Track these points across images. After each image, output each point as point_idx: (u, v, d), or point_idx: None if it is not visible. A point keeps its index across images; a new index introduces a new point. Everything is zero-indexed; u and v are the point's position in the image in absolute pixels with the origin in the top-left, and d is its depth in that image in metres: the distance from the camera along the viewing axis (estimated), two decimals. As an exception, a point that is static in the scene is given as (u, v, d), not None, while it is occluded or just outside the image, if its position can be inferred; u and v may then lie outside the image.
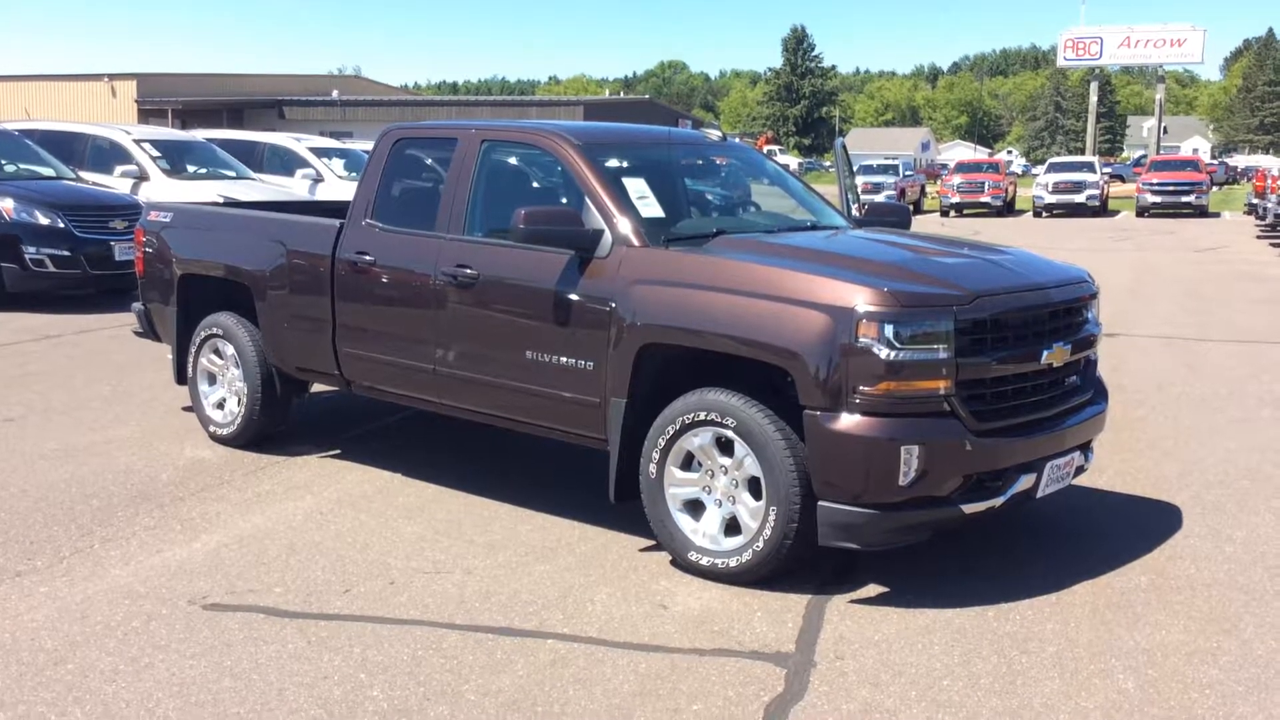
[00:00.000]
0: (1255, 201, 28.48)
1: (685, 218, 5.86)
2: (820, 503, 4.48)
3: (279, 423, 6.96)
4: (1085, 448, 5.13)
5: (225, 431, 6.92)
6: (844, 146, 7.41)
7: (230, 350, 6.82)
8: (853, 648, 4.16)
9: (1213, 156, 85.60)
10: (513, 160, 6.11)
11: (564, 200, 5.59)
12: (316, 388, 7.19)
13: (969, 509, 4.53)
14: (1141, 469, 6.48)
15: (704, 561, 4.78)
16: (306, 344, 6.40)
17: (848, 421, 4.39)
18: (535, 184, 6.15)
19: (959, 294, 4.53)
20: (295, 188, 16.78)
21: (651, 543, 5.13)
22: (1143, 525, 5.51)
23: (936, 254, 5.28)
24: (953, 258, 5.19)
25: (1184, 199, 34.80)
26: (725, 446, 4.76)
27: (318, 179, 17.58)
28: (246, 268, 6.67)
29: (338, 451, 6.88)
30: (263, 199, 10.79)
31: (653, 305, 4.90)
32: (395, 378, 6.04)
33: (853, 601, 4.59)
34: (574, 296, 5.15)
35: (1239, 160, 79.60)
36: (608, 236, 5.14)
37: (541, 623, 4.40)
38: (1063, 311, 4.97)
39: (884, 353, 4.35)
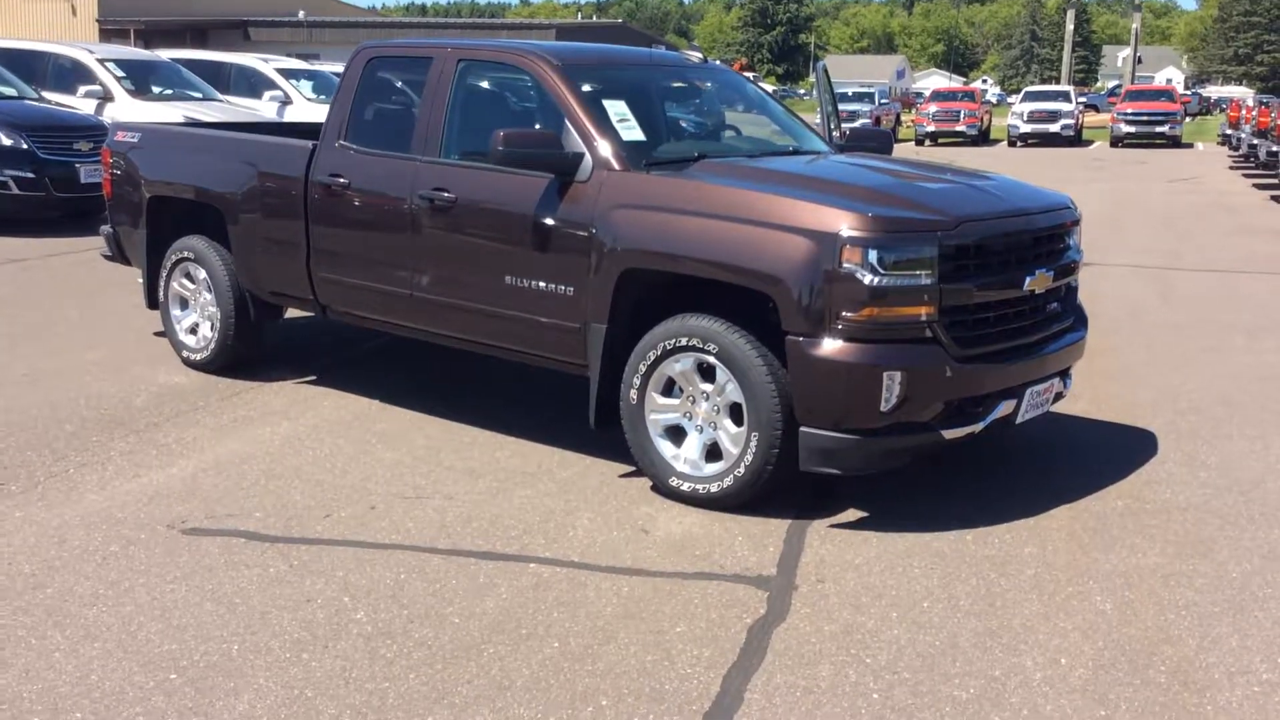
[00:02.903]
0: (1229, 132, 28.51)
1: (666, 141, 5.78)
2: (802, 428, 4.48)
3: (253, 348, 6.88)
4: (1064, 374, 5.15)
5: (199, 357, 6.84)
6: (825, 70, 7.31)
7: (202, 274, 6.72)
8: (833, 571, 4.19)
9: (1186, 87, 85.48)
10: (490, 81, 5.99)
11: (542, 123, 5.49)
12: (292, 313, 7.11)
13: (949, 434, 4.55)
14: (1116, 395, 6.53)
15: (685, 487, 4.79)
16: (280, 268, 6.31)
17: (831, 347, 4.38)
18: (513, 105, 6.04)
19: (943, 219, 4.50)
20: (263, 110, 16.47)
21: (632, 468, 5.14)
22: (1118, 451, 5.56)
23: (920, 179, 5.24)
24: (936, 183, 5.15)
25: (1158, 129, 34.77)
26: (707, 372, 4.74)
27: (286, 101, 17.26)
28: (217, 190, 6.54)
29: (314, 377, 6.82)
30: (230, 121, 10.58)
31: (634, 230, 4.85)
32: (371, 303, 5.98)
33: (833, 526, 4.62)
34: (553, 221, 5.08)
35: (1212, 91, 79.58)
36: (588, 160, 5.06)
37: (523, 547, 4.41)
38: (1045, 237, 4.96)
39: (868, 278, 4.33)
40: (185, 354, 6.91)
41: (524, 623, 3.80)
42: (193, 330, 6.92)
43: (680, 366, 4.78)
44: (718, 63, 6.79)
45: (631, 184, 4.96)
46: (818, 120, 7.75)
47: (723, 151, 5.80)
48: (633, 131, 5.24)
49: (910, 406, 4.41)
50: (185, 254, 6.78)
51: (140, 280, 7.23)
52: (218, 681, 3.42)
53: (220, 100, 15.61)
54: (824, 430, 4.45)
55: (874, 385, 4.34)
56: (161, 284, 6.97)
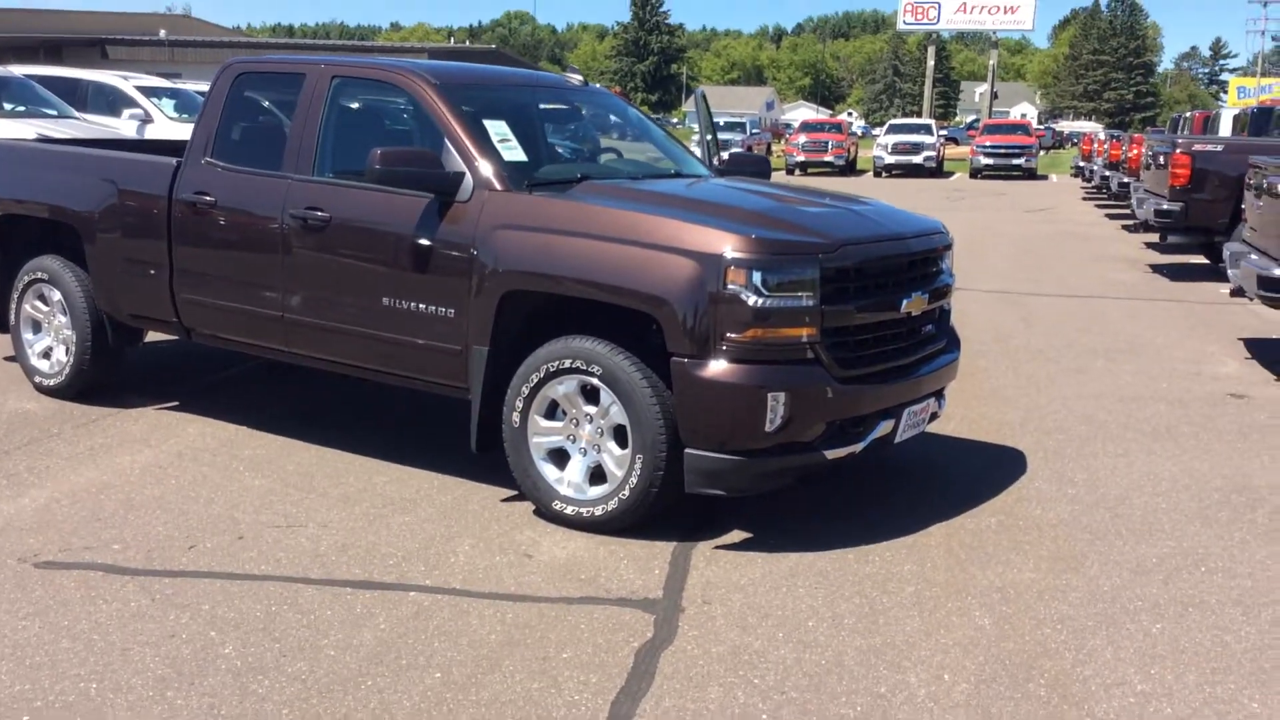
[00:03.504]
0: (1082, 164, 29.85)
1: (548, 162, 5.73)
2: (687, 450, 4.46)
3: (111, 373, 6.59)
4: (939, 395, 5.25)
5: (52, 382, 6.51)
6: (704, 96, 7.36)
7: (57, 296, 6.40)
8: (719, 592, 4.17)
9: (1040, 122, 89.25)
10: (366, 99, 5.86)
11: (421, 142, 5.39)
12: (152, 336, 6.82)
13: (831, 454, 4.58)
14: (986, 415, 6.70)
15: (569, 511, 4.72)
16: (141, 289, 6.04)
17: (715, 369, 4.37)
18: (390, 124, 5.92)
19: (824, 242, 4.55)
20: (123, 128, 15.85)
21: (514, 493, 5.04)
22: (990, 469, 5.69)
23: (800, 203, 5.30)
24: (816, 207, 5.22)
25: (1014, 161, 36.11)
26: (590, 395, 4.69)
27: (146, 119, 16.66)
28: (74, 208, 6.25)
29: (176, 403, 6.55)
30: (87, 138, 10.14)
31: (516, 251, 4.78)
32: (240, 325, 5.76)
33: (718, 547, 4.60)
34: (433, 241, 4.97)
35: (1064, 125, 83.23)
36: (469, 180, 4.97)
37: (402, 575, 4.28)
38: (920, 261, 5.05)
39: (752, 299, 4.33)
40: (38, 379, 6.57)
41: (404, 653, 3.67)
42: (46, 355, 6.58)
43: (564, 389, 4.72)
44: (598, 86, 6.77)
45: (514, 204, 4.89)
46: (695, 146, 7.80)
47: (605, 173, 5.78)
48: (514, 152, 5.17)
49: (794, 427, 4.43)
50: (38, 275, 6.46)
51: (-11, 302, 6.84)
52: (74, 725, 3.21)
53: (77, 118, 14.97)
54: (709, 452, 4.43)
55: (758, 406, 4.35)
56: (13, 306, 6.62)
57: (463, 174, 4.98)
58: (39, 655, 3.59)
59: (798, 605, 4.06)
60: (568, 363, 4.65)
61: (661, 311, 4.43)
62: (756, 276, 4.34)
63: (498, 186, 4.94)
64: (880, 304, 4.72)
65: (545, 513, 4.81)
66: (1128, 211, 20.39)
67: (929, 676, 3.56)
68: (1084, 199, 26.59)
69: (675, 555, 4.50)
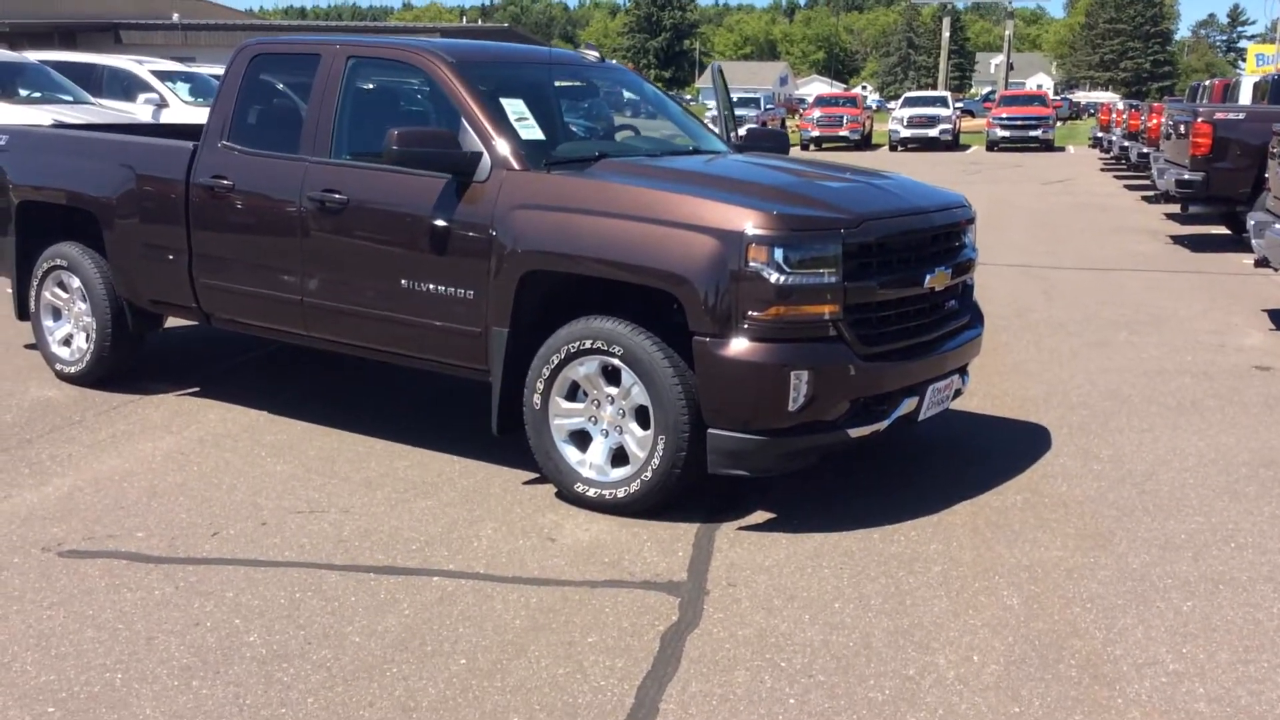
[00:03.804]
0: (1100, 135, 29.58)
1: (565, 140, 5.68)
2: (709, 430, 4.43)
3: (132, 359, 6.59)
4: (963, 371, 5.20)
5: (74, 370, 6.51)
6: (720, 71, 7.29)
7: (76, 283, 6.39)
8: (744, 574, 4.14)
9: (1056, 92, 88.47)
10: (381, 79, 5.82)
11: (437, 122, 5.35)
12: (173, 321, 6.81)
13: (855, 433, 4.54)
14: (1008, 391, 6.64)
15: (591, 493, 4.70)
16: (160, 275, 6.03)
17: (738, 347, 4.33)
18: (406, 104, 5.88)
19: (846, 217, 4.49)
20: (137, 113, 15.85)
21: (535, 475, 5.02)
22: (1014, 446, 5.64)
23: (821, 178, 5.24)
24: (837, 181, 5.16)
25: (1031, 133, 35.82)
26: (612, 375, 4.65)
27: (162, 104, 16.65)
28: (92, 194, 6.23)
29: (197, 389, 6.54)
30: (104, 123, 10.13)
31: (535, 231, 4.74)
32: (259, 310, 5.74)
33: (742, 529, 4.57)
34: (451, 222, 4.94)
35: (1080, 96, 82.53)
36: (486, 159, 4.93)
37: (425, 560, 4.26)
38: (943, 235, 5.00)
39: (774, 277, 4.29)
40: (59, 367, 6.58)
41: (428, 639, 3.65)
42: (66, 342, 6.58)
43: (585, 370, 4.68)
44: (614, 62, 6.71)
45: (532, 184, 4.84)
46: (710, 122, 7.73)
47: (623, 151, 5.73)
48: (532, 130, 5.13)
49: (817, 405, 4.38)
50: (58, 261, 6.45)
51: (9, 290, 6.85)
52: (100, 714, 3.20)
53: (92, 103, 14.97)
54: (732, 432, 4.39)
55: (782, 385, 4.31)
56: (32, 293, 6.63)
57: (480, 154, 4.94)
58: (64, 645, 3.59)
59: (823, 586, 4.03)
60: (588, 343, 4.62)
61: (682, 290, 4.39)
62: (778, 253, 4.29)
63: (515, 166, 4.90)
64: (903, 279, 4.67)
65: (567, 495, 4.79)
66: (1147, 182, 20.21)
67: (958, 658, 3.52)
68: (1102, 170, 26.37)
69: (699, 537, 4.47)
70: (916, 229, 4.79)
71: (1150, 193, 18.87)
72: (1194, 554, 4.33)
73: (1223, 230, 13.87)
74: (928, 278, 4.75)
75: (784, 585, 4.04)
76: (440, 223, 4.95)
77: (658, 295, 4.52)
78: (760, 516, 4.69)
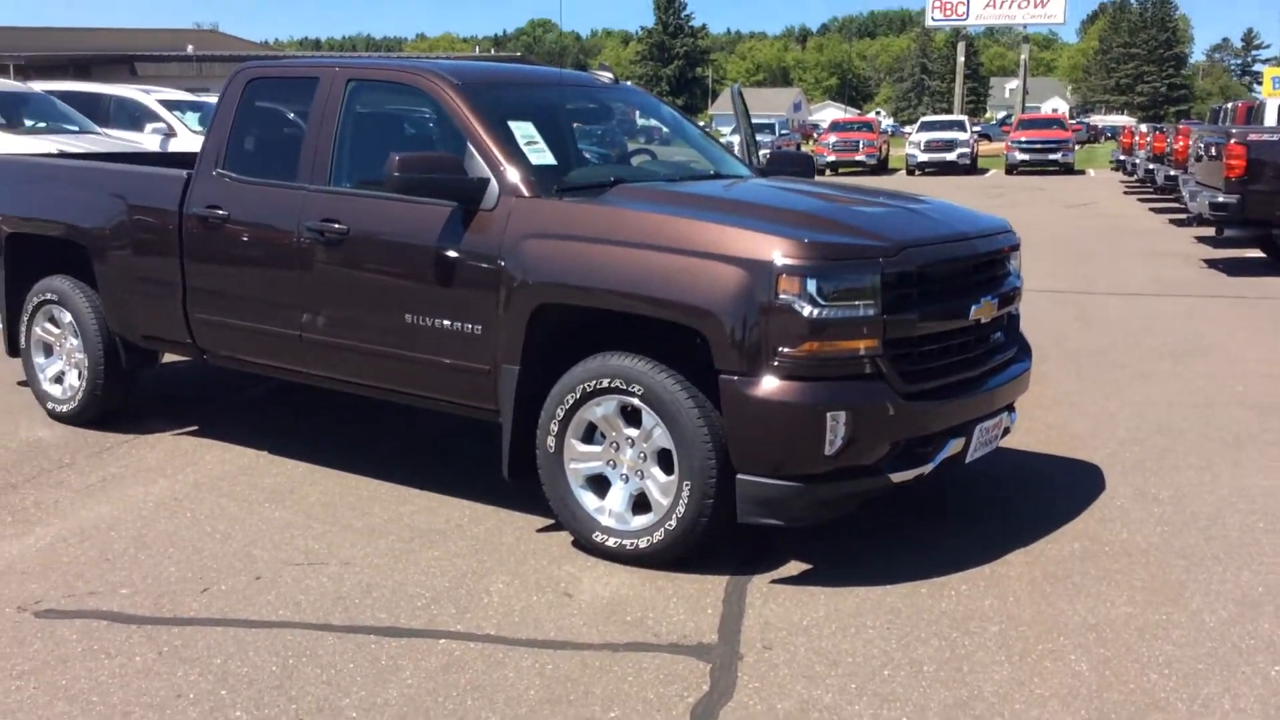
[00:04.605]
0: (1123, 158, 29.16)
1: (578, 165, 5.36)
2: (739, 475, 4.06)
3: (126, 398, 6.27)
4: (1009, 408, 4.82)
5: (65, 408, 6.20)
6: (740, 93, 6.97)
7: (67, 318, 6.09)
8: (780, 635, 3.76)
9: (1071, 116, 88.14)
10: (383, 102, 5.51)
11: (442, 147, 5.02)
12: (169, 358, 6.50)
13: (897, 478, 4.17)
14: (1053, 426, 6.26)
15: (611, 543, 4.33)
16: (153, 310, 5.72)
17: (768, 386, 3.97)
18: (409, 128, 5.57)
19: (884, 245, 4.14)
20: (145, 143, 15.64)
21: (550, 522, 4.67)
22: (1066, 486, 5.25)
23: (854, 203, 4.89)
24: (872, 206, 4.80)
25: (1051, 156, 35.40)
26: (631, 416, 4.30)
27: (169, 134, 16.44)
28: (83, 225, 5.94)
29: (195, 428, 6.22)
30: (101, 152, 9.86)
31: (546, 262, 4.40)
32: (256, 346, 5.42)
33: (775, 582, 4.19)
34: (457, 253, 4.61)
35: (1096, 119, 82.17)
36: (494, 186, 4.61)
37: (431, 619, 3.90)
38: (987, 263, 4.64)
39: (806, 310, 3.93)
40: (50, 405, 6.27)
41: (433, 714, 3.29)
42: (58, 379, 6.27)
43: (602, 410, 4.33)
44: (629, 84, 6.40)
45: (542, 212, 4.51)
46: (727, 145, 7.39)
47: (640, 176, 5.39)
48: (542, 155, 4.80)
49: (856, 449, 4.02)
50: (48, 296, 6.16)
51: (-1, 325, 6.56)
52: (64, 808, 2.85)
53: (98, 133, 14.76)
54: (763, 478, 4.03)
55: (817, 427, 3.94)
56: (23, 329, 6.33)
57: (487, 180, 4.62)
58: (30, 722, 3.25)
59: (869, 650, 3.65)
60: (605, 382, 4.27)
61: (707, 325, 4.04)
62: (811, 284, 3.94)
63: (525, 193, 4.57)
64: (947, 311, 4.31)
65: (585, 545, 4.43)
66: (1174, 205, 19.83)
67: (1026, 736, 3.14)
68: (1125, 193, 25.95)
69: (729, 592, 4.10)
70: (960, 257, 4.43)
71: (1179, 216, 18.48)
72: (1276, 609, 3.93)
73: (1257, 254, 13.46)
74: (973, 309, 4.39)
75: (825, 649, 3.66)
76: (446, 253, 4.62)
77: (680, 331, 4.18)
78: (795, 568, 4.32)
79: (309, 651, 3.67)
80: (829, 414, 3.94)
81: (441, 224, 4.65)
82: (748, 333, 3.98)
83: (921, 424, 4.18)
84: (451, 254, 4.61)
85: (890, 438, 4.10)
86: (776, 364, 3.96)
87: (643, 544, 4.26)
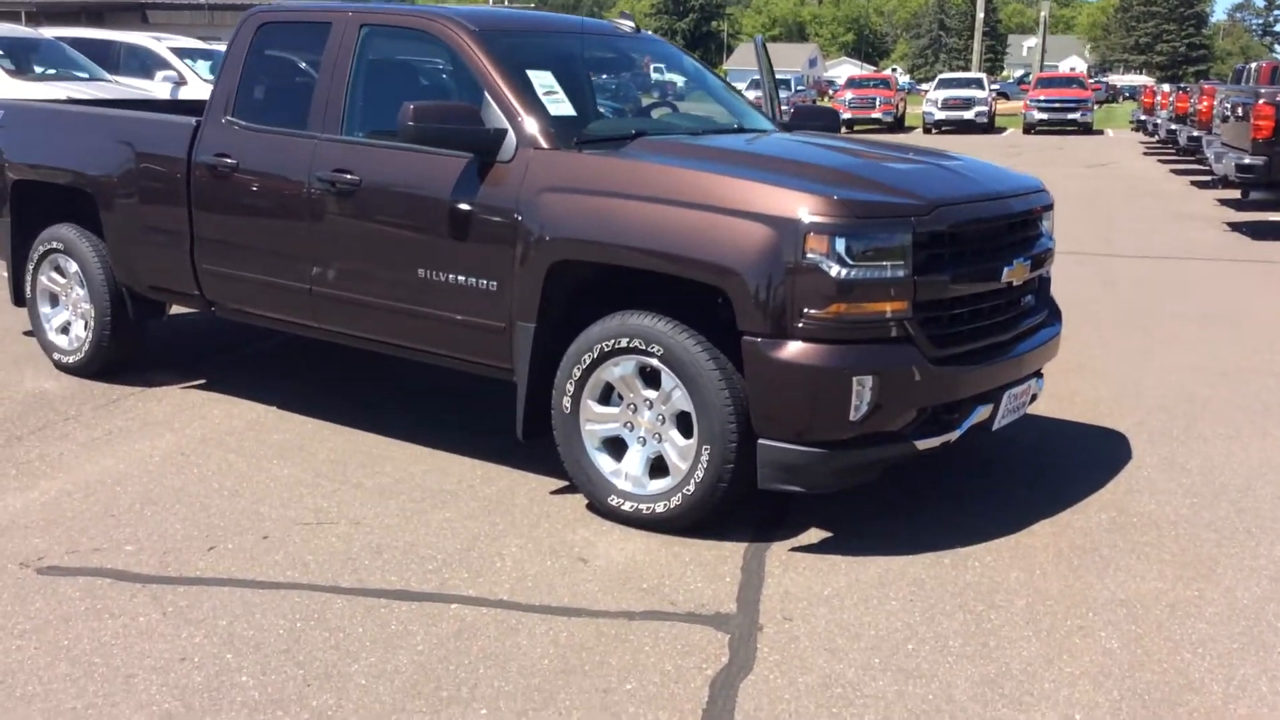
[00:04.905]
0: (1144, 118, 28.77)
1: (598, 117, 5.20)
2: (760, 441, 3.94)
3: (133, 349, 6.17)
4: (1037, 374, 4.69)
5: (72, 359, 6.09)
6: (764, 44, 6.77)
7: (74, 267, 5.97)
8: (800, 606, 3.66)
9: (1089, 75, 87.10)
10: (397, 49, 5.34)
11: (458, 96, 4.87)
12: (176, 310, 6.39)
13: (922, 445, 4.05)
14: (1077, 392, 6.12)
15: (627, 507, 4.23)
16: (161, 260, 5.60)
17: (793, 349, 3.84)
18: (424, 77, 5.41)
19: (917, 203, 3.99)
20: (155, 90, 15.45)
21: (564, 484, 4.57)
22: (1091, 455, 5.13)
23: (884, 159, 4.72)
24: (903, 163, 4.65)
25: (1070, 116, 34.95)
26: (650, 377, 4.18)
27: (180, 81, 16.24)
28: (89, 173, 5.80)
29: (203, 381, 6.12)
30: (109, 98, 9.70)
31: (565, 217, 4.26)
32: (265, 299, 5.30)
33: (794, 550, 4.08)
34: (472, 206, 4.47)
35: (1115, 79, 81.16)
36: (511, 137, 4.45)
37: (443, 583, 3.80)
38: (1020, 224, 4.48)
39: (834, 270, 3.79)
40: (56, 356, 6.16)
41: (444, 682, 3.20)
42: (64, 330, 6.17)
43: (620, 371, 4.21)
44: (651, 34, 6.21)
45: (561, 164, 4.37)
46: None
47: (661, 129, 5.23)
48: (561, 106, 4.64)
49: (881, 415, 3.89)
50: (54, 245, 6.03)
51: (4, 273, 6.44)
52: (64, 774, 2.77)
53: (108, 80, 14.59)
54: (785, 443, 3.91)
55: (842, 392, 3.82)
56: (28, 278, 6.21)
57: (505, 130, 4.47)
58: (32, 684, 3.16)
59: (892, 623, 3.55)
60: (624, 342, 4.14)
61: (730, 284, 3.91)
62: (840, 243, 3.80)
63: (543, 144, 4.42)
64: (979, 273, 4.17)
65: (600, 508, 4.32)
66: (1196, 167, 19.53)
67: (1058, 717, 3.03)
68: (1145, 154, 25.59)
69: (748, 560, 3.99)
70: (994, 216, 4.28)
71: (1201, 178, 18.21)
72: (1310, 586, 3.82)
73: (1282, 217, 13.24)
74: (1006, 271, 4.24)
75: (847, 621, 3.56)
76: (460, 207, 4.48)
77: (702, 289, 4.04)
78: (815, 535, 4.21)
79: (317, 615, 3.58)
80: (855, 379, 3.82)
81: (456, 176, 4.51)
82: (772, 293, 3.84)
83: (950, 390, 4.05)
84: (466, 207, 4.47)
85: (917, 404, 3.97)
86: (802, 326, 3.83)
87: (659, 508, 4.16)
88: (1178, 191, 17.21)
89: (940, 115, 35.87)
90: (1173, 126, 21.03)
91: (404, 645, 3.39)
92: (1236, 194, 13.40)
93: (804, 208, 3.84)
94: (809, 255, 3.80)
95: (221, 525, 4.28)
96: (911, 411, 3.98)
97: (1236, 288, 9.25)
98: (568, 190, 4.29)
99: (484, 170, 4.47)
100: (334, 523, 4.31)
